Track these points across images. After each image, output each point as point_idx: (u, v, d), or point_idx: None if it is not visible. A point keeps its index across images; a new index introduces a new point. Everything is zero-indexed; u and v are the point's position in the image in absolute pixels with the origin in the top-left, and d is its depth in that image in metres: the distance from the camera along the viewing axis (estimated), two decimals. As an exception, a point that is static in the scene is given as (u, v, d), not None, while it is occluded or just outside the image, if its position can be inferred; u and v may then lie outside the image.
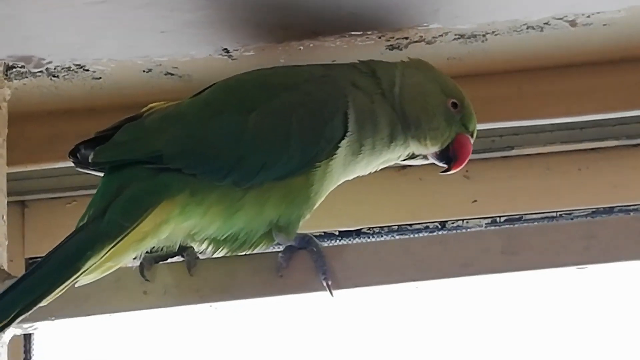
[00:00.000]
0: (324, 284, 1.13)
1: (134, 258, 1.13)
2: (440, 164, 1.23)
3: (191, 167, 1.11)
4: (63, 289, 1.06)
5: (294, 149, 1.13)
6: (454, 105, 1.22)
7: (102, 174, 1.16)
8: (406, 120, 1.20)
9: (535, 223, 1.38)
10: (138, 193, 1.09)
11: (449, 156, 1.21)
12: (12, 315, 1.03)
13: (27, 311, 1.04)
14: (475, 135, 1.24)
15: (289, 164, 1.13)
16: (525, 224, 1.38)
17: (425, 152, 1.22)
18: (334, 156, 1.15)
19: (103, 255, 1.06)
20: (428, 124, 1.20)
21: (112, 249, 1.07)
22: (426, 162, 1.25)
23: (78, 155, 1.17)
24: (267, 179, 1.12)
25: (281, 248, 1.15)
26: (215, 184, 1.11)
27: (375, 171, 1.25)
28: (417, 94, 1.21)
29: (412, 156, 1.24)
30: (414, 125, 1.20)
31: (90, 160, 1.13)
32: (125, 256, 1.09)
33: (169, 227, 1.10)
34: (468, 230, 1.40)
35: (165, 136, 1.12)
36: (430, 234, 1.39)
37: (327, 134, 1.15)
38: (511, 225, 1.38)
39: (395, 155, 1.22)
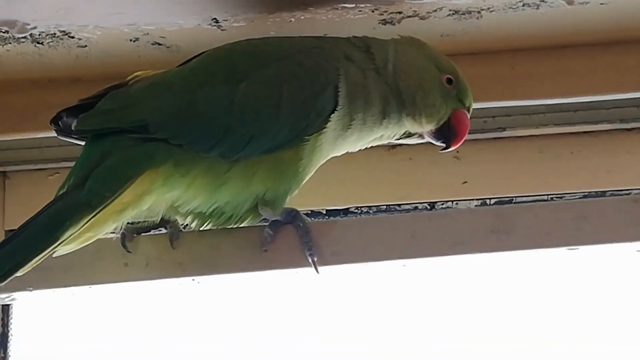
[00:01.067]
0: (310, 260, 1.11)
1: (115, 229, 1.10)
2: (438, 143, 1.21)
3: (177, 137, 1.08)
4: (40, 258, 1.03)
5: (284, 121, 1.11)
6: (449, 81, 1.20)
7: (83, 143, 1.13)
8: (400, 97, 1.17)
9: (523, 204, 1.35)
10: (120, 162, 1.07)
11: (447, 133, 1.19)
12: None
13: (3, 280, 1.01)
14: (471, 110, 1.22)
15: (278, 137, 1.10)
16: (517, 205, 1.35)
17: (421, 130, 1.20)
18: (324, 130, 1.13)
19: (82, 225, 1.04)
20: (424, 100, 1.18)
21: (92, 219, 1.04)
22: (421, 141, 1.22)
23: (60, 123, 1.15)
24: (255, 152, 1.10)
25: (267, 223, 1.13)
26: (201, 156, 1.08)
27: (365, 149, 1.23)
28: (411, 70, 1.19)
29: (408, 135, 1.21)
30: (409, 103, 1.18)
31: (73, 128, 1.10)
32: (105, 227, 1.07)
33: (150, 198, 1.07)
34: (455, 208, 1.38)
35: (151, 105, 1.10)
36: (420, 211, 1.37)
37: (317, 106, 1.13)
38: (503, 206, 1.35)
39: (388, 133, 1.19)
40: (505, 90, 1.35)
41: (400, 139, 1.22)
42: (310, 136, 1.12)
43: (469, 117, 1.21)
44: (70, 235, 1.03)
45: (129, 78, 1.15)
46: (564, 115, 1.38)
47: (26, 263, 1.02)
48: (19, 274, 1.02)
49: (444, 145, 1.20)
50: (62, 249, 1.05)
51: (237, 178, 1.09)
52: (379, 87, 1.17)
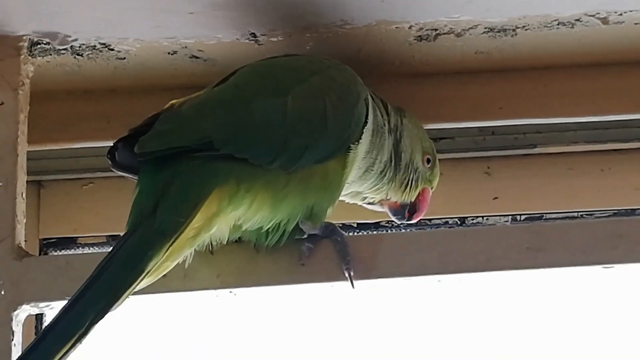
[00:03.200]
0: (346, 274, 1.12)
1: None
2: (394, 217, 1.28)
3: (242, 151, 1.08)
4: (128, 295, 1.02)
5: (331, 130, 1.13)
6: (428, 160, 1.28)
7: (135, 177, 1.12)
8: (397, 165, 1.24)
9: (559, 221, 1.36)
10: (187, 186, 1.06)
11: (411, 207, 1.27)
12: (87, 324, 0.99)
13: (96, 322, 1.00)
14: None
15: (328, 146, 1.12)
16: (551, 221, 1.36)
17: (397, 199, 1.26)
18: (361, 140, 1.16)
19: (162, 255, 1.03)
20: (412, 175, 1.26)
21: (170, 248, 1.03)
22: (379, 210, 1.29)
23: (116, 155, 1.13)
24: (309, 162, 1.11)
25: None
26: (261, 171, 1.08)
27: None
28: (410, 144, 1.26)
29: (371, 202, 1.27)
30: (402, 172, 1.24)
31: (136, 151, 1.08)
32: (182, 253, 1.07)
33: (219, 218, 1.07)
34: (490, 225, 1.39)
35: (211, 121, 1.09)
36: (454, 227, 1.38)
37: (355, 116, 1.16)
38: (537, 222, 1.36)
39: (371, 192, 1.25)
40: (537, 107, 1.36)
41: (367, 202, 1.28)
42: (352, 145, 1.14)
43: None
44: (153, 267, 1.03)
45: (166, 106, 1.14)
46: (594, 133, 1.39)
47: (116, 301, 1.00)
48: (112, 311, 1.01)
49: (399, 219, 1.28)
50: (141, 283, 1.04)
51: (295, 190, 1.10)
52: (389, 143, 1.23)
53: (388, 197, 1.26)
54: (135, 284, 1.02)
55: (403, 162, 1.24)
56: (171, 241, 1.03)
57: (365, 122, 1.17)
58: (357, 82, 1.20)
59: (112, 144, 1.13)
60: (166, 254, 1.03)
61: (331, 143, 1.12)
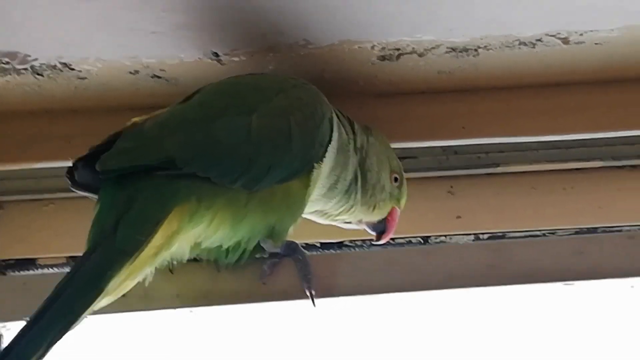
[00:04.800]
0: (307, 293, 1.12)
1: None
2: (372, 233, 1.27)
3: (205, 170, 1.07)
4: (85, 315, 1.00)
5: (296, 150, 1.12)
6: (395, 179, 1.27)
7: (95, 196, 1.10)
8: (364, 185, 1.23)
9: (521, 239, 1.36)
10: (148, 204, 1.05)
11: (382, 227, 1.27)
12: (45, 345, 0.97)
13: (53, 344, 0.98)
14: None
15: (292, 166, 1.12)
16: (513, 239, 1.36)
17: (368, 219, 1.26)
18: (324, 159, 1.16)
19: (123, 274, 1.02)
20: (380, 194, 1.25)
21: (130, 267, 1.02)
22: (356, 228, 1.28)
23: (75, 175, 1.12)
24: (272, 181, 1.10)
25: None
26: (222, 189, 1.08)
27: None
28: (376, 163, 1.25)
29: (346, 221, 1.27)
30: (370, 192, 1.24)
31: (97, 168, 1.07)
32: (141, 272, 1.05)
33: (179, 237, 1.06)
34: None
35: (174, 140, 1.08)
36: (416, 245, 1.38)
37: (319, 136, 1.15)
38: (500, 240, 1.37)
39: (336, 212, 1.24)
40: (500, 127, 1.36)
41: (339, 223, 1.27)
42: (315, 165, 1.14)
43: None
44: (113, 286, 1.01)
45: (128, 124, 1.13)
46: (557, 152, 1.40)
47: (75, 321, 0.99)
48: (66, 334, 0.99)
49: (375, 237, 1.27)
50: (101, 303, 1.02)
51: (256, 209, 1.09)
52: (354, 161, 1.23)
53: (358, 218, 1.26)
54: (95, 303, 1.00)
55: (370, 181, 1.24)
56: (131, 260, 1.02)
57: (330, 141, 1.17)
58: (322, 101, 1.19)
59: (71, 164, 1.11)
60: (126, 273, 1.02)
61: (295, 162, 1.12)
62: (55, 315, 0.98)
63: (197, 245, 1.09)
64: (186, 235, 1.07)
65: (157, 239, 1.04)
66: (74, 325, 0.99)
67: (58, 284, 1.00)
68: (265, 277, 1.12)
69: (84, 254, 1.03)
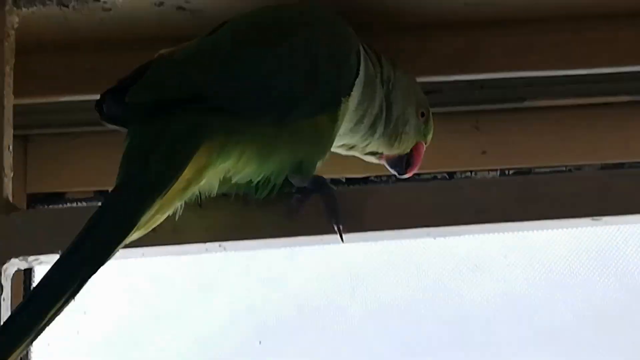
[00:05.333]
0: (335, 228, 1.12)
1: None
2: (393, 170, 1.28)
3: (233, 103, 1.07)
4: (118, 249, 1.01)
5: (323, 83, 1.12)
6: (422, 114, 1.27)
7: (125, 129, 1.10)
8: (389, 116, 1.23)
9: (548, 174, 1.36)
10: (177, 138, 1.04)
11: (403, 161, 1.27)
12: (79, 280, 0.97)
13: (90, 275, 0.98)
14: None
15: (319, 100, 1.11)
16: (540, 175, 1.36)
17: (389, 152, 1.26)
18: (351, 95, 1.15)
19: (154, 209, 1.02)
20: (403, 127, 1.25)
21: (161, 201, 1.02)
22: (376, 162, 1.28)
23: (103, 107, 1.11)
24: (300, 115, 1.10)
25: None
26: (250, 123, 1.07)
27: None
28: (403, 96, 1.25)
29: (371, 152, 1.27)
30: (392, 125, 1.24)
31: (127, 100, 1.06)
32: (171, 206, 1.06)
33: (208, 171, 1.06)
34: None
35: (202, 73, 1.08)
36: (445, 180, 1.38)
37: (346, 70, 1.15)
38: (526, 175, 1.37)
39: (363, 144, 1.24)
40: (525, 61, 1.35)
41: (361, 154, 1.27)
42: (342, 99, 1.13)
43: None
44: (143, 221, 1.02)
45: (155, 56, 1.12)
46: (584, 86, 1.39)
47: (108, 255, 0.99)
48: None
49: (397, 171, 1.27)
50: (131, 237, 1.02)
51: (284, 144, 1.09)
52: (380, 94, 1.22)
53: (381, 151, 1.26)
54: (127, 237, 1.01)
55: (394, 115, 1.23)
56: (162, 194, 1.02)
57: (357, 75, 1.16)
58: (350, 34, 1.18)
59: (99, 96, 1.11)
60: (157, 207, 1.03)
61: (323, 96, 1.12)
62: (89, 250, 0.99)
63: (226, 180, 1.09)
64: (215, 170, 1.07)
65: (187, 173, 1.04)
66: (107, 259, 0.99)
67: (90, 219, 1.01)
68: (293, 211, 1.12)
69: (115, 188, 1.04)
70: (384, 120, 1.23)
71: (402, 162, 1.26)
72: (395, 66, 1.26)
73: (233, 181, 1.10)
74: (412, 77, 1.28)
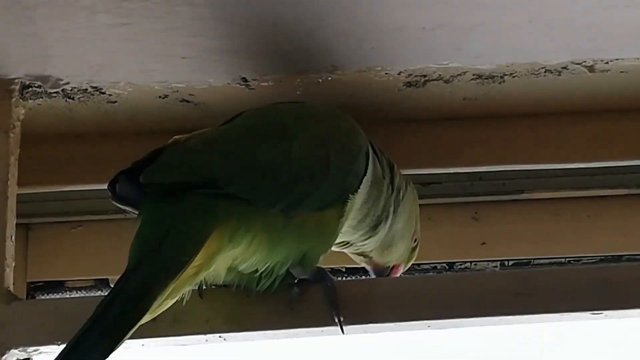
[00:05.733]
0: (336, 320, 1.12)
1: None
2: (372, 273, 1.29)
3: (245, 192, 1.08)
4: (128, 336, 0.99)
5: (332, 179, 1.13)
6: (415, 240, 1.28)
7: (135, 211, 1.11)
8: (392, 225, 1.24)
9: (547, 267, 1.37)
10: (192, 222, 1.05)
11: (382, 273, 1.28)
12: None
13: None
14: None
15: (328, 194, 1.13)
16: (539, 267, 1.37)
17: (378, 259, 1.27)
18: (358, 192, 1.16)
19: (165, 293, 1.02)
20: (399, 241, 1.26)
21: (173, 286, 1.02)
22: (361, 263, 1.29)
23: (117, 187, 1.11)
24: (308, 208, 1.11)
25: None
26: (260, 212, 1.08)
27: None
28: (408, 214, 1.26)
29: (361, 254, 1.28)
30: (392, 234, 1.25)
31: (142, 181, 1.07)
32: (180, 292, 1.06)
33: (218, 257, 1.06)
34: (479, 271, 1.39)
35: (217, 160, 1.09)
36: (444, 273, 1.39)
37: (355, 168, 1.16)
38: (527, 268, 1.37)
39: (360, 243, 1.24)
40: (524, 154, 1.37)
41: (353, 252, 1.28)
42: (350, 196, 1.15)
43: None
44: (153, 306, 1.01)
45: (170, 141, 1.14)
46: (581, 179, 1.41)
47: (120, 341, 0.98)
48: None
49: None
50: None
51: (291, 235, 1.10)
52: (386, 198, 1.22)
53: (371, 255, 1.26)
54: (139, 322, 1.00)
55: (396, 226, 1.24)
56: (175, 279, 1.02)
57: (365, 174, 1.18)
58: (360, 133, 1.20)
59: (113, 177, 1.12)
60: (168, 292, 1.02)
61: (331, 191, 1.13)
62: (100, 336, 0.97)
63: (232, 269, 1.10)
64: (225, 256, 1.07)
65: (199, 258, 1.04)
66: (117, 346, 0.98)
67: (100, 304, 1.00)
68: (294, 302, 1.12)
69: (127, 271, 1.03)
70: (388, 228, 1.23)
71: (385, 274, 1.27)
72: (408, 182, 1.28)
73: (239, 269, 1.10)
74: (417, 200, 1.29)
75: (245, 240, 1.08)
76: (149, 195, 1.08)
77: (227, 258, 1.08)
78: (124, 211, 1.13)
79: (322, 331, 1.13)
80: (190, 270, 1.04)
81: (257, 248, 1.08)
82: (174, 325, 1.12)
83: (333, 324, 1.12)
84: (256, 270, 1.10)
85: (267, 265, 1.10)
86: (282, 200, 1.09)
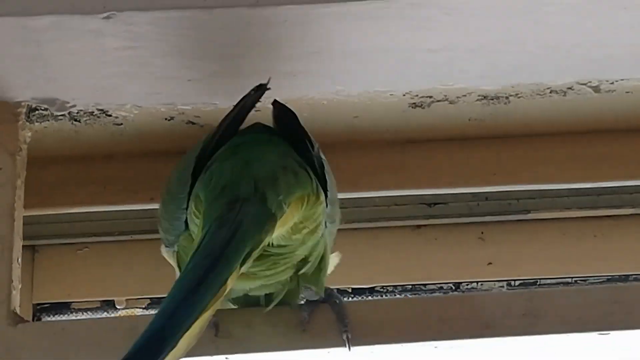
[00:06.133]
0: (344, 337, 1.11)
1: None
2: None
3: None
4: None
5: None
6: None
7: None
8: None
9: (554, 287, 1.37)
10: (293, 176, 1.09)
11: None
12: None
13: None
14: None
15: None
16: (547, 287, 1.37)
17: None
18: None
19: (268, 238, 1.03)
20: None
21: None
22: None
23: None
24: None
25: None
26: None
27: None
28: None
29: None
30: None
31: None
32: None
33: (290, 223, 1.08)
34: (486, 291, 1.39)
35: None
36: (453, 294, 1.38)
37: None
38: (533, 288, 1.37)
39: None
40: (530, 174, 1.37)
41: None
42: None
43: None
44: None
45: None
46: (587, 199, 1.41)
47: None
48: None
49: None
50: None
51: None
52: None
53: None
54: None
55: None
56: (277, 223, 1.02)
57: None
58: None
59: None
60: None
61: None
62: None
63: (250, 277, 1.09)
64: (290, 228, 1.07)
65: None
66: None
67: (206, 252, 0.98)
68: (304, 323, 1.12)
69: (227, 209, 1.02)
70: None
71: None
72: None
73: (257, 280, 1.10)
74: None
75: (314, 214, 1.09)
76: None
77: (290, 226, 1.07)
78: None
79: (328, 352, 1.13)
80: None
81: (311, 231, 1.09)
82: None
83: (341, 343, 1.11)
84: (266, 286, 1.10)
85: (303, 253, 1.10)
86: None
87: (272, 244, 1.08)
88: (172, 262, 1.16)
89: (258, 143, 1.14)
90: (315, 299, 1.13)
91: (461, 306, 1.13)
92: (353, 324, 1.12)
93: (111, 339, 1.12)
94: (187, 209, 1.10)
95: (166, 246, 1.16)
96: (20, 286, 1.19)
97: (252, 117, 1.21)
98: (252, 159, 1.09)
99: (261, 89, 1.14)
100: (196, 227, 1.08)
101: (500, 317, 1.12)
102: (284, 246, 1.09)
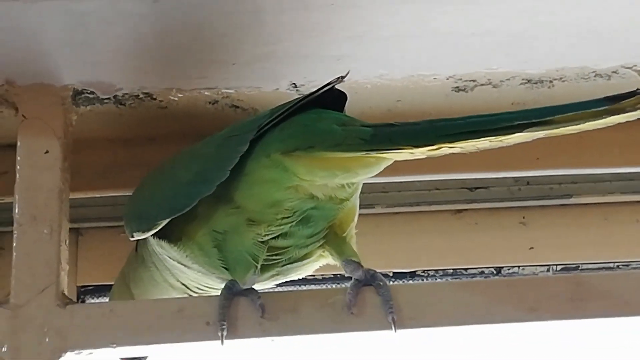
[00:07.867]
0: (389, 319, 1.11)
1: None
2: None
3: None
4: None
5: None
6: None
7: None
8: None
9: (600, 272, 1.37)
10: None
11: None
12: None
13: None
14: None
15: None
16: (593, 272, 1.36)
17: None
18: None
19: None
20: None
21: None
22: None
23: None
24: None
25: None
26: None
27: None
28: None
29: None
30: None
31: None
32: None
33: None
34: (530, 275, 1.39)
35: None
36: (494, 277, 1.38)
37: None
38: (578, 272, 1.37)
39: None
40: (572, 158, 1.36)
41: None
42: None
43: None
44: None
45: None
46: (630, 183, 1.40)
47: None
48: None
49: None
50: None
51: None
52: None
53: None
54: None
55: None
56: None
57: None
58: None
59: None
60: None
61: None
62: None
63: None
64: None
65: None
66: None
67: None
68: (351, 306, 1.12)
69: None
70: None
71: None
72: None
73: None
74: None
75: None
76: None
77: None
78: None
79: (374, 334, 1.13)
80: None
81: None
82: (227, 328, 1.12)
83: (387, 326, 1.11)
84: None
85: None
86: None
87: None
88: (159, 247, 1.19)
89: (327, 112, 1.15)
90: (358, 276, 1.13)
91: (507, 290, 1.13)
92: (399, 306, 1.12)
93: (158, 321, 1.13)
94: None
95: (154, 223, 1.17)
96: (67, 268, 1.20)
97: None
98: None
99: (339, 80, 1.15)
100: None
101: (546, 301, 1.12)
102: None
